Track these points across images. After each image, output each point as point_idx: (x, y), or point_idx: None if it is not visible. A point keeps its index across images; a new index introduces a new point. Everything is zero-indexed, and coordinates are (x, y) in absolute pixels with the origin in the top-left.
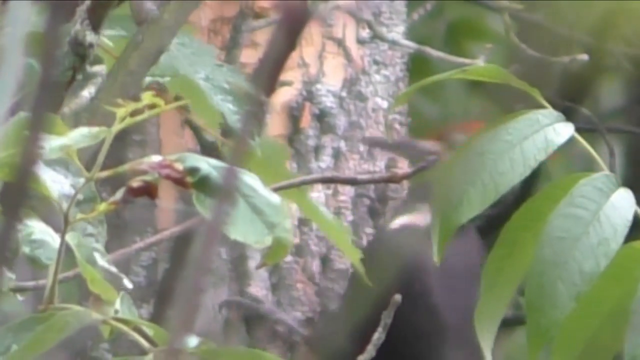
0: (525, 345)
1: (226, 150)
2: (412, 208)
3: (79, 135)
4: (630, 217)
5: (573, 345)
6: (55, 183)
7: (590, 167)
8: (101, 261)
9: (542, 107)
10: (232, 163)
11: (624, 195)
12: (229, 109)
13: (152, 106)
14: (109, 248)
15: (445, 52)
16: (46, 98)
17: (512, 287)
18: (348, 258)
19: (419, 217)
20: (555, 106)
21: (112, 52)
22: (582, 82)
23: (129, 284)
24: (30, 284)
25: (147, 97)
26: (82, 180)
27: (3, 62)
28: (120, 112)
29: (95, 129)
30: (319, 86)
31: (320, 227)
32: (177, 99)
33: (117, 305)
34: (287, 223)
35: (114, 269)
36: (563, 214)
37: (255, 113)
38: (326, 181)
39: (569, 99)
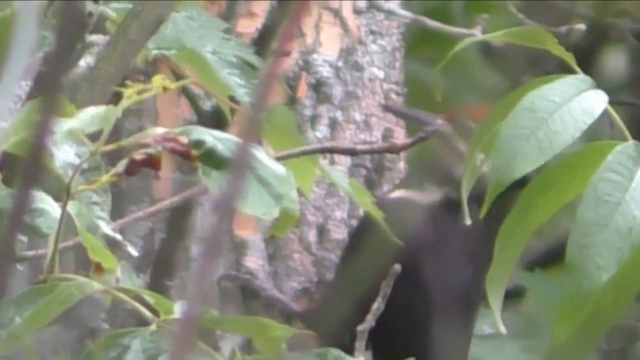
0: (530, 315)
1: (230, 117)
2: (412, 184)
3: (88, 117)
4: None
5: (576, 313)
6: (60, 152)
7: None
8: (106, 229)
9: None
10: (244, 138)
11: None
12: (236, 83)
13: (161, 87)
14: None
15: (441, 22)
16: (59, 77)
17: (520, 249)
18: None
19: (419, 194)
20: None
21: (117, 24)
22: (584, 54)
23: (134, 252)
24: (30, 253)
25: (157, 81)
26: (85, 149)
27: (16, 34)
28: (128, 92)
29: (101, 110)
30: (315, 56)
31: (344, 190)
32: (176, 75)
33: (118, 274)
34: (294, 194)
35: (119, 237)
36: (603, 177)
37: (264, 86)
38: (326, 151)
39: (570, 71)
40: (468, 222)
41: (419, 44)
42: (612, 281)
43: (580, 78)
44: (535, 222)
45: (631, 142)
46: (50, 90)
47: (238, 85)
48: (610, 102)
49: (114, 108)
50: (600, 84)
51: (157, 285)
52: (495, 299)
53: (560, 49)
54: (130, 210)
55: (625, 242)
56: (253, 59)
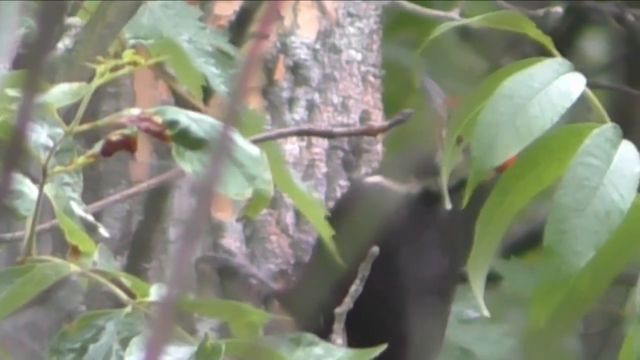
0: (508, 300)
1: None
2: (391, 171)
3: (60, 92)
4: (637, 167)
5: (553, 297)
6: (32, 132)
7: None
8: (78, 210)
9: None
10: (225, 123)
11: (629, 148)
12: (212, 72)
13: (132, 63)
14: (83, 200)
15: (420, 4)
16: (41, 58)
17: (500, 234)
18: (319, 232)
19: (396, 182)
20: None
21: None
22: (562, 37)
23: (105, 233)
24: (8, 235)
25: (127, 55)
26: (59, 130)
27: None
28: (100, 68)
29: (75, 85)
30: (293, 38)
31: (294, 199)
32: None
33: (95, 256)
34: (267, 175)
35: (90, 218)
36: (581, 162)
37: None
38: (302, 134)
39: (548, 55)
40: (448, 206)
41: (397, 26)
42: (590, 265)
43: (558, 61)
44: (514, 206)
45: (609, 124)
46: (31, 72)
47: (214, 75)
48: (589, 85)
49: (87, 85)
50: (579, 67)
51: (135, 267)
52: (477, 283)
53: (537, 33)
54: (107, 192)
55: (603, 226)
56: (228, 47)
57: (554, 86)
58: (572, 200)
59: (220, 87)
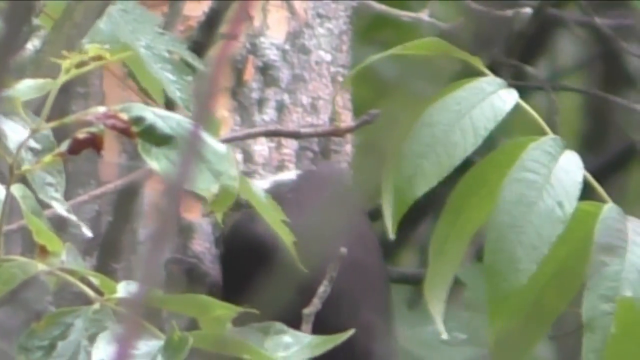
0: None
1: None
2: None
3: (25, 87)
4: (580, 179)
5: (516, 307)
6: (15, 134)
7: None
8: (61, 210)
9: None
10: (195, 123)
11: (571, 158)
12: (168, 78)
13: (97, 58)
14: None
15: (390, 5)
16: (6, 60)
17: (460, 253)
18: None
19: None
20: (502, 65)
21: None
22: (533, 38)
23: (88, 232)
24: None
25: (92, 50)
26: (25, 127)
27: None
28: (66, 64)
29: (40, 81)
30: (262, 39)
31: (252, 203)
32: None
33: (63, 256)
34: (233, 171)
35: (74, 218)
36: (516, 178)
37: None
38: (270, 134)
39: (520, 57)
40: (392, 237)
41: (370, 30)
42: (555, 274)
43: (488, 80)
44: (473, 223)
45: (548, 137)
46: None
47: (170, 81)
48: (561, 89)
49: (52, 80)
50: (548, 70)
51: (104, 267)
52: (435, 306)
53: (463, 53)
54: (76, 193)
55: (543, 241)
56: (187, 54)
57: (478, 108)
58: (509, 218)
59: (175, 93)
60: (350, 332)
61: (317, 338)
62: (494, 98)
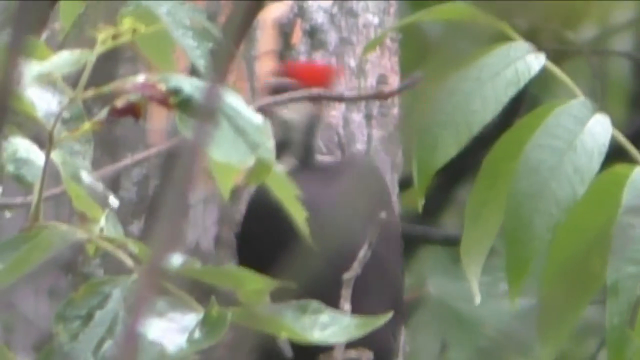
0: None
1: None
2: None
3: (61, 61)
4: (606, 142)
5: (560, 274)
6: (42, 101)
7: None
8: (87, 178)
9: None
10: (213, 82)
11: (601, 121)
12: (190, 45)
13: (132, 30)
14: (100, 164)
15: None
16: (26, 18)
17: (498, 217)
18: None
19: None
20: (539, 32)
21: None
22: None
23: (115, 201)
24: (18, 200)
25: (127, 22)
26: (65, 97)
27: None
28: (101, 35)
29: (76, 53)
30: (310, 2)
31: (267, 180)
32: None
33: (103, 223)
34: (270, 143)
35: (100, 186)
36: (538, 144)
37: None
38: (313, 98)
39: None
40: (420, 207)
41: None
42: (597, 238)
43: (514, 46)
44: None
45: (575, 100)
46: (18, 33)
47: (192, 47)
48: (607, 53)
49: (88, 51)
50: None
51: (151, 231)
52: (471, 270)
53: (490, 18)
54: (125, 156)
55: (560, 207)
56: (207, 23)
57: (502, 75)
58: (528, 186)
59: (198, 60)
60: (389, 315)
61: (356, 319)
62: (519, 63)
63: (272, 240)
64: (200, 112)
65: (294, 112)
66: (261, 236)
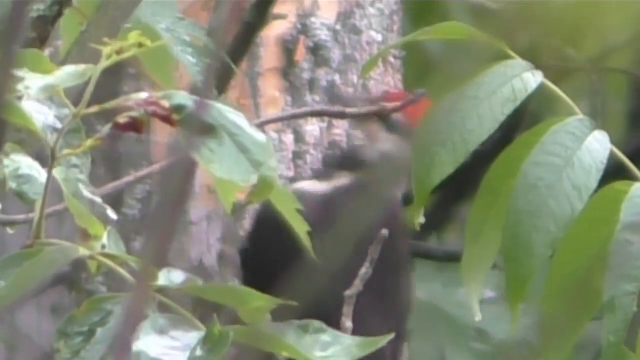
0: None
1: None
2: (323, 173)
3: (65, 74)
4: (604, 159)
5: (561, 289)
6: (39, 114)
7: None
8: (85, 192)
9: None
10: (202, 96)
11: (599, 138)
12: (189, 60)
13: (137, 45)
14: (103, 181)
15: None
16: (17, 32)
17: (499, 235)
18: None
19: (317, 184)
20: (540, 49)
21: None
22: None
23: (113, 215)
24: (21, 217)
25: (133, 37)
26: (66, 111)
27: None
28: (107, 50)
29: (81, 67)
30: (313, 19)
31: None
32: None
33: (105, 240)
34: (273, 162)
35: (98, 200)
36: (536, 162)
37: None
38: (315, 114)
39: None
40: (422, 220)
41: (417, 7)
42: (599, 255)
43: (511, 64)
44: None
45: (573, 118)
46: (7, 44)
47: (191, 63)
48: (604, 71)
49: (93, 66)
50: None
51: None
52: (472, 287)
53: (486, 36)
54: (128, 173)
55: (558, 224)
56: (205, 39)
57: (498, 93)
58: (526, 203)
59: (196, 76)
60: (391, 336)
61: (359, 340)
62: (515, 81)
63: (278, 256)
64: (191, 125)
65: (388, 143)
66: (267, 251)
